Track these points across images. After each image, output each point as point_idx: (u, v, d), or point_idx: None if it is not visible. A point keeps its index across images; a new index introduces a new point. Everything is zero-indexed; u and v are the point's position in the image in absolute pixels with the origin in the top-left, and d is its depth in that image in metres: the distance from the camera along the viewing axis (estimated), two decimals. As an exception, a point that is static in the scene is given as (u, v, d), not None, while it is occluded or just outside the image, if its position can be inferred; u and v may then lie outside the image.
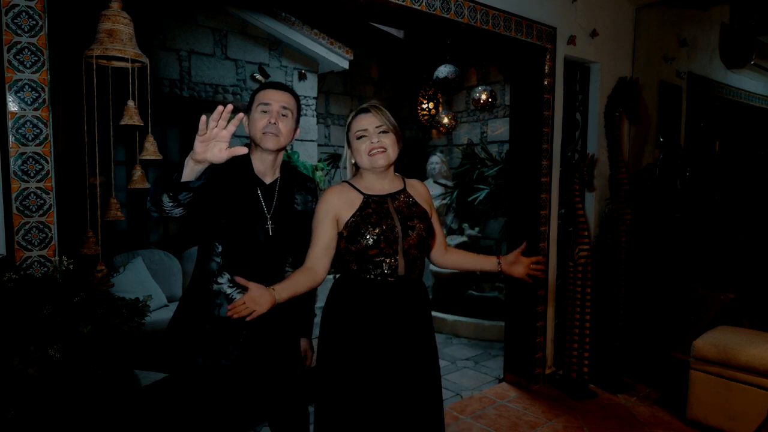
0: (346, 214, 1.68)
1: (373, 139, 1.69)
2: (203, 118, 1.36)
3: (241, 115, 1.45)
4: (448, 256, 1.91)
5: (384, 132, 1.71)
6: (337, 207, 1.69)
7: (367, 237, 1.64)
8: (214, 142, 1.38)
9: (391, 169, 1.80)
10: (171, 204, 1.46)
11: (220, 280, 1.69)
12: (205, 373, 1.68)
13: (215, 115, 1.37)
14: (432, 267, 5.08)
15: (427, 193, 1.89)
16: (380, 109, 1.73)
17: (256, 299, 1.47)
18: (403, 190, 1.80)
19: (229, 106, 1.38)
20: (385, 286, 1.67)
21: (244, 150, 1.44)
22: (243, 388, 1.76)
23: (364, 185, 1.75)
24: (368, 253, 1.65)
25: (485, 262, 1.89)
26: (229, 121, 1.40)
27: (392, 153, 1.73)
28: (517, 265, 1.83)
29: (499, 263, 1.85)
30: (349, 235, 1.67)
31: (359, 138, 1.71)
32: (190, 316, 1.72)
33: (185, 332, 1.72)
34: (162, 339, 1.79)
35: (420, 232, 1.71)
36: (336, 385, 1.68)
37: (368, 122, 1.71)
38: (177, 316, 1.78)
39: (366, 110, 1.73)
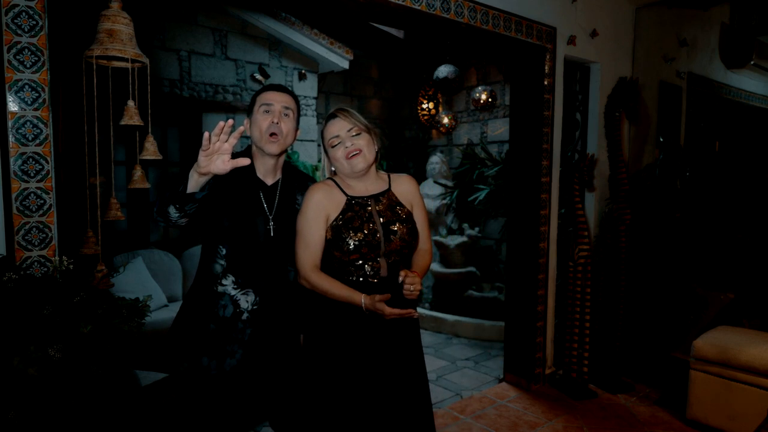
0: (333, 215, 1.68)
1: (347, 143, 1.68)
2: (206, 134, 1.42)
3: (241, 128, 1.48)
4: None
5: (356, 134, 1.69)
6: (326, 208, 1.68)
7: (349, 242, 1.64)
8: (217, 155, 1.44)
9: (372, 169, 1.77)
10: (177, 215, 1.52)
11: (224, 281, 1.70)
12: (210, 373, 1.69)
13: (216, 130, 1.42)
14: (432, 267, 5.08)
15: (414, 187, 1.84)
16: (348, 111, 1.72)
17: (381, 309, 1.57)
18: (387, 191, 1.78)
19: (230, 121, 1.42)
20: (368, 288, 1.66)
21: (246, 161, 1.49)
22: (248, 388, 1.76)
23: (347, 185, 1.75)
24: (350, 258, 1.65)
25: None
26: (230, 135, 1.45)
27: (368, 154, 1.70)
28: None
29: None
30: (331, 238, 1.67)
31: (334, 146, 1.71)
32: (194, 317, 1.73)
33: (189, 333, 1.73)
34: (164, 340, 1.80)
35: (402, 236, 1.70)
36: (322, 386, 1.68)
37: (339, 127, 1.70)
38: (180, 317, 1.79)
39: (334, 116, 1.72)
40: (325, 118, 1.78)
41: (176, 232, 4.61)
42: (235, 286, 1.70)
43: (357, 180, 1.74)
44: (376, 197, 1.74)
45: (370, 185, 1.76)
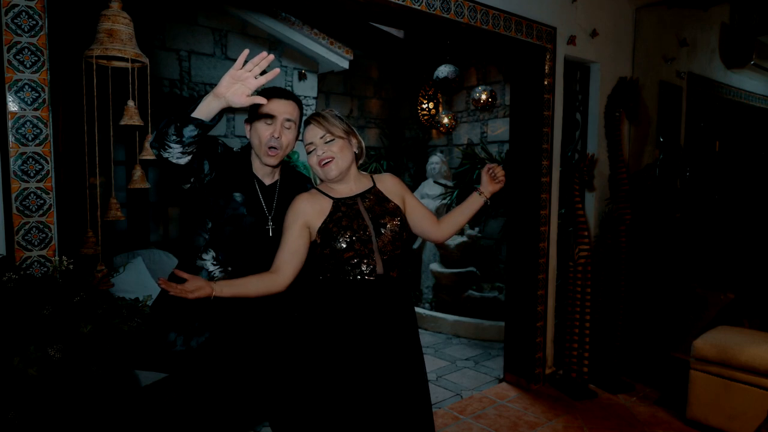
0: (317, 222, 1.68)
1: (319, 152, 1.69)
2: (246, 51, 1.37)
3: (276, 71, 1.43)
4: (442, 227, 1.90)
5: (330, 141, 1.70)
6: (307, 214, 1.69)
7: (340, 241, 1.64)
8: (240, 84, 1.39)
9: (352, 170, 1.78)
10: (174, 138, 1.44)
11: (204, 256, 1.69)
12: (176, 348, 1.68)
13: (256, 59, 1.39)
14: (432, 267, 5.08)
15: (398, 183, 1.86)
16: (323, 117, 1.71)
17: (187, 288, 1.46)
18: (373, 188, 1.79)
19: (270, 56, 1.38)
20: (365, 286, 1.67)
21: (263, 100, 1.43)
22: (221, 373, 1.75)
23: (331, 189, 1.76)
24: (344, 257, 1.65)
25: (472, 204, 1.92)
26: (263, 74, 1.40)
27: (342, 160, 1.71)
28: (491, 183, 1.92)
29: (481, 193, 1.91)
30: (322, 241, 1.67)
31: (309, 152, 1.72)
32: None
33: (165, 309, 1.72)
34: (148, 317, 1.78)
35: (393, 228, 1.71)
36: (320, 386, 1.68)
37: (312, 135, 1.71)
38: (162, 292, 1.78)
39: (308, 122, 1.73)
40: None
41: (176, 228, 4.61)
42: (215, 263, 1.69)
43: (338, 183, 1.76)
44: (362, 195, 1.76)
45: (354, 186, 1.78)
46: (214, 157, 1.67)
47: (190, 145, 1.46)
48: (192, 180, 1.62)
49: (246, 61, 1.39)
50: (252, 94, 1.42)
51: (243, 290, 1.58)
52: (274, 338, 1.83)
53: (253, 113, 1.74)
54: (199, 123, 1.42)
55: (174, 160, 1.49)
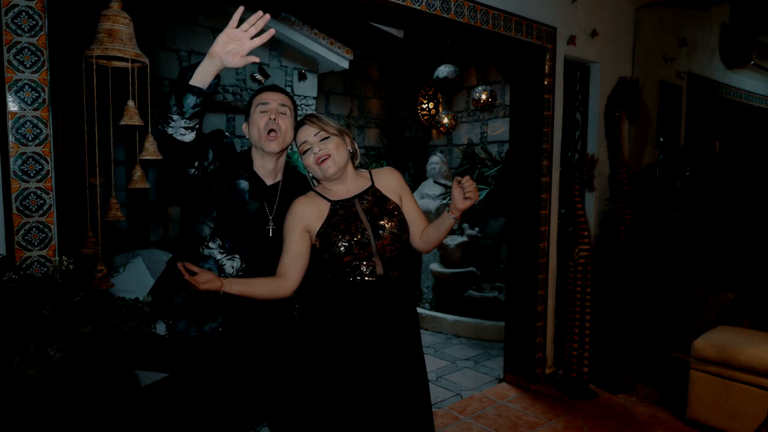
0: (316, 226, 1.68)
1: (315, 149, 1.69)
2: (240, 9, 1.37)
3: (272, 31, 1.43)
4: (423, 238, 1.81)
5: (325, 139, 1.70)
6: (306, 219, 1.69)
7: (339, 245, 1.64)
8: (235, 44, 1.40)
9: (349, 170, 1.77)
10: (175, 108, 1.45)
11: (211, 244, 1.70)
12: (189, 335, 1.69)
13: (252, 19, 1.40)
14: (432, 267, 5.08)
15: (398, 177, 1.84)
16: (317, 117, 1.73)
17: (199, 280, 1.50)
18: (371, 188, 1.78)
19: (267, 16, 1.40)
20: (365, 287, 1.67)
21: (256, 59, 1.44)
22: (229, 364, 1.75)
23: (329, 191, 1.75)
24: (343, 261, 1.65)
25: (442, 223, 1.76)
26: (258, 35, 1.40)
27: (338, 157, 1.70)
28: (461, 200, 1.69)
29: (450, 212, 1.72)
30: (321, 245, 1.67)
31: (304, 152, 1.72)
32: (174, 279, 1.71)
33: (169, 295, 1.72)
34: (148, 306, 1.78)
35: (392, 229, 1.70)
36: (321, 387, 1.68)
37: (306, 134, 1.71)
38: (160, 280, 1.78)
39: (302, 123, 1.74)
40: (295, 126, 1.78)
41: (176, 228, 4.61)
42: (222, 251, 1.70)
43: (335, 183, 1.75)
44: (360, 196, 1.75)
45: (351, 186, 1.77)
46: (220, 147, 1.69)
47: (192, 118, 1.47)
48: (196, 164, 1.63)
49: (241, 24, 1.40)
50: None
51: (251, 290, 1.60)
52: (275, 336, 1.83)
53: (249, 108, 1.77)
54: (197, 91, 1.43)
55: (179, 137, 1.50)
